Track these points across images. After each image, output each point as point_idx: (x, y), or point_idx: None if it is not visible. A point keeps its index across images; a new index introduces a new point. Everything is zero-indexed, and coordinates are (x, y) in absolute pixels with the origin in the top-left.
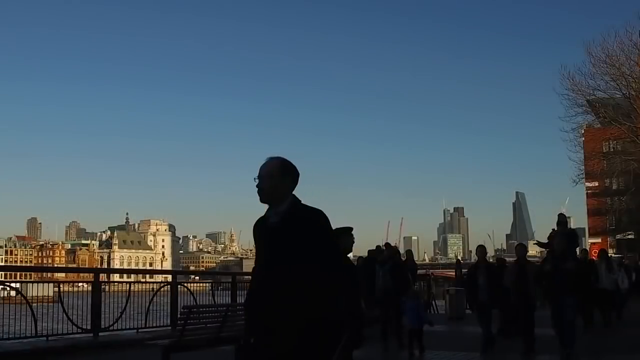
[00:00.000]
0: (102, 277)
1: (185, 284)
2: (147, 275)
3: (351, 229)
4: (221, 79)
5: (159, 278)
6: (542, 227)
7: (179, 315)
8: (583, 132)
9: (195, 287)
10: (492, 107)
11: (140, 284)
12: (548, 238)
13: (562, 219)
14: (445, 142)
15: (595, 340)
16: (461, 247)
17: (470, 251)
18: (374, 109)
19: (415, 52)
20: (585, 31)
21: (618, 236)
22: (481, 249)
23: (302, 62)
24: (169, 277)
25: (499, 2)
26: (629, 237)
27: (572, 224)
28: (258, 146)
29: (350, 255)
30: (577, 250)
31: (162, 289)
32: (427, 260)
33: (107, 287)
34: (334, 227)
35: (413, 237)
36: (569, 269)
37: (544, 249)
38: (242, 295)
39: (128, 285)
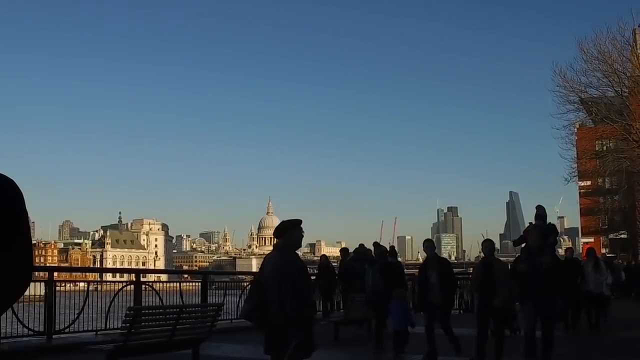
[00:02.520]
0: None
1: (151, 284)
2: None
3: (300, 221)
4: (216, 77)
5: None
6: None
7: (124, 318)
8: (576, 130)
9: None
10: (486, 107)
11: (106, 284)
12: (524, 233)
13: (541, 212)
14: (439, 142)
15: (581, 345)
16: (455, 247)
17: (464, 251)
18: (367, 109)
19: (407, 51)
20: (577, 27)
21: (611, 236)
22: (430, 244)
23: (297, 56)
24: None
25: None
26: (622, 236)
27: (566, 224)
28: (253, 146)
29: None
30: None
31: (125, 289)
32: (420, 260)
33: (100, 287)
34: (290, 219)
35: (407, 237)
36: (545, 267)
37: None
38: (215, 295)
39: (86, 285)
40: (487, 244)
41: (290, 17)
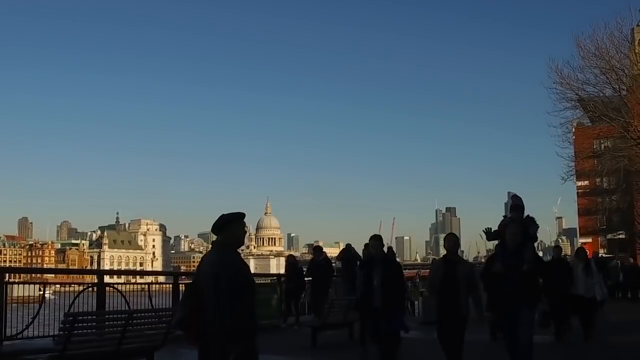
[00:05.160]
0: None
1: (116, 286)
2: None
3: (242, 215)
4: (216, 76)
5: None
6: None
7: (60, 325)
8: (573, 129)
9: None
10: (484, 107)
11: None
12: (499, 227)
13: (518, 202)
14: (437, 142)
15: (572, 352)
16: None
17: (462, 251)
18: (366, 109)
19: (404, 50)
20: (574, 22)
21: (609, 236)
22: (375, 243)
23: (295, 55)
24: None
25: None
26: (620, 237)
27: (564, 224)
28: (251, 146)
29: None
30: (559, 246)
31: (87, 291)
32: (418, 260)
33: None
34: (231, 212)
35: (405, 237)
36: (525, 269)
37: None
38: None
39: (42, 288)
40: (450, 238)
41: (290, 10)
